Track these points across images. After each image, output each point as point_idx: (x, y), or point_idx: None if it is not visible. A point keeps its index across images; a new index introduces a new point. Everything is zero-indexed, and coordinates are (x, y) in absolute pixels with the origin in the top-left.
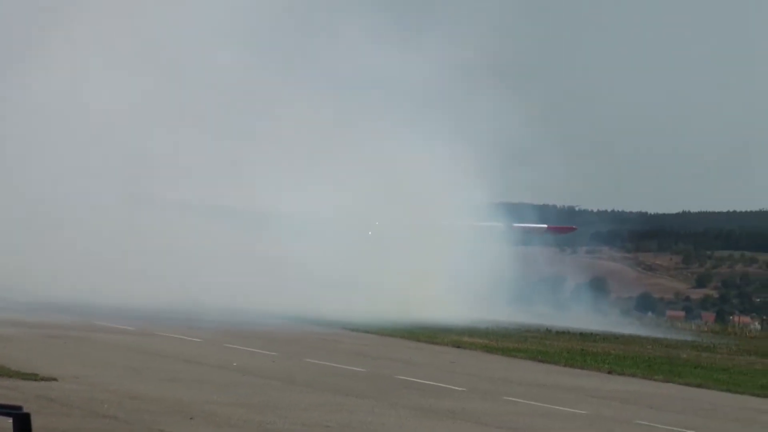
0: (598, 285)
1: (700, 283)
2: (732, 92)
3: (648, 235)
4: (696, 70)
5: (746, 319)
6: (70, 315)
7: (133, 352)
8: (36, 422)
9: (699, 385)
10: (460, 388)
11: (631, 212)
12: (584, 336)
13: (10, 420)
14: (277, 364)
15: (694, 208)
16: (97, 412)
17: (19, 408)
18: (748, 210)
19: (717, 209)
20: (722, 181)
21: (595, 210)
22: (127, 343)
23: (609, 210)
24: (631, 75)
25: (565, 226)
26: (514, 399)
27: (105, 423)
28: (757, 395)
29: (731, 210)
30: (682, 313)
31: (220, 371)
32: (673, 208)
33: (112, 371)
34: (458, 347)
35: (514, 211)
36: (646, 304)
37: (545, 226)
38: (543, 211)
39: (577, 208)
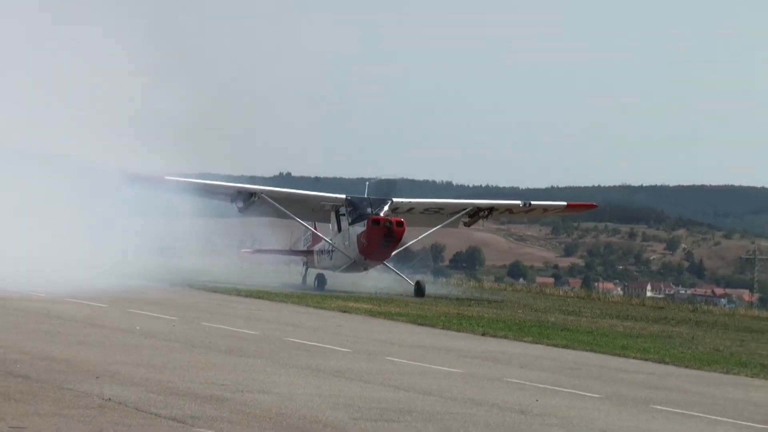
0: (474, 254)
1: (568, 252)
2: (594, 68)
3: None
4: (558, 41)
5: (609, 285)
6: None
7: (43, 316)
8: None
9: (565, 346)
10: (345, 350)
11: (504, 187)
12: (460, 301)
13: None
14: (177, 328)
15: (562, 183)
16: (10, 372)
17: None
18: (611, 185)
19: (582, 184)
20: (587, 158)
21: (471, 185)
22: (37, 308)
23: (483, 185)
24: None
25: (586, 204)
26: (395, 359)
27: (18, 382)
28: (618, 355)
29: (596, 185)
30: (551, 280)
31: (124, 334)
32: (542, 183)
33: (23, 334)
34: (344, 312)
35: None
36: (517, 271)
37: (565, 204)
38: (419, 186)
39: (455, 183)
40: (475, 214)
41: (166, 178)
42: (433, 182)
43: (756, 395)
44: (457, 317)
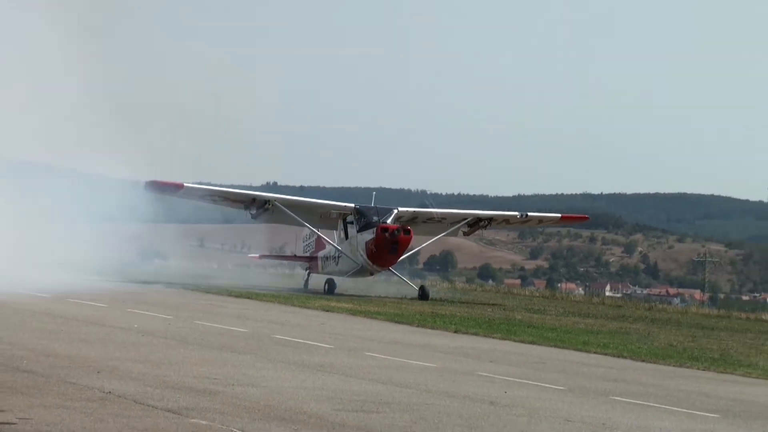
0: (447, 258)
1: (533, 255)
2: (555, 81)
3: None
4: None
5: (572, 285)
6: None
7: (48, 315)
8: None
9: (531, 342)
10: (328, 346)
11: (474, 195)
12: (434, 301)
13: None
14: (172, 326)
15: (528, 192)
16: (17, 368)
17: None
18: (573, 193)
19: (547, 192)
20: (550, 168)
21: (444, 193)
22: (42, 308)
23: (456, 193)
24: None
25: (579, 216)
26: (374, 354)
27: (24, 377)
28: (580, 350)
29: (559, 193)
30: (517, 281)
31: (123, 332)
32: (509, 191)
33: (29, 332)
34: (327, 311)
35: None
36: (487, 273)
37: (559, 216)
38: (394, 194)
39: (429, 192)
40: (475, 224)
41: (185, 185)
42: (408, 191)
43: (707, 387)
44: (432, 316)
